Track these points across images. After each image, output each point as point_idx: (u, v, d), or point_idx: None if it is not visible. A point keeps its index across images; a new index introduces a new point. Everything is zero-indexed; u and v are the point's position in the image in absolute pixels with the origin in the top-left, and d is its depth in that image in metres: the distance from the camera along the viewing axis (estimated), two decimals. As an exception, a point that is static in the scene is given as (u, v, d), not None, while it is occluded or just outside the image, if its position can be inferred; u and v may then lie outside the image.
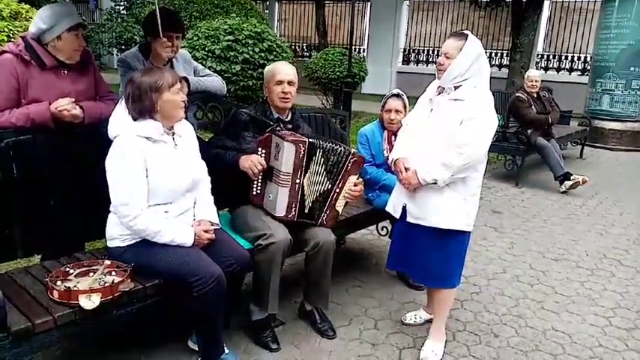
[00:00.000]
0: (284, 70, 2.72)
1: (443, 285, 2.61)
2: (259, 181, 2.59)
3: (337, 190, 2.63)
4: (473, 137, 2.32)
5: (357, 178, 2.70)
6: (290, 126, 2.74)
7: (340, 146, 2.61)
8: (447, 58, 2.37)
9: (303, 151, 2.50)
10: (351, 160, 2.60)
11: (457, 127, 2.34)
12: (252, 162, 2.52)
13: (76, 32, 2.37)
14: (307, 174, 2.56)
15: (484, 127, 2.36)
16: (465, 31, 2.41)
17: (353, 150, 2.66)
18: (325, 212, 2.64)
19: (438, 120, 2.41)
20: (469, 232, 2.52)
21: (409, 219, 2.53)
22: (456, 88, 2.39)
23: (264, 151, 2.56)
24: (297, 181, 2.54)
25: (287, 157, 2.48)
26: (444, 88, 2.44)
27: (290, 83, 2.70)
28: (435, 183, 2.37)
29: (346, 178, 2.63)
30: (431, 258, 2.50)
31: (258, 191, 2.61)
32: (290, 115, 2.82)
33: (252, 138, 2.65)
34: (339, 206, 2.68)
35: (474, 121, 2.32)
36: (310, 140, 2.53)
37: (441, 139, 2.38)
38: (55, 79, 2.38)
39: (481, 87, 2.39)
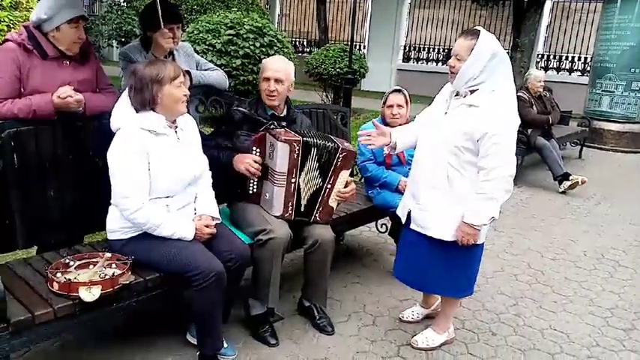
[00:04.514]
0: (272, 67, 2.65)
1: (451, 295, 2.56)
2: (255, 180, 2.57)
3: (329, 187, 2.59)
4: (500, 157, 2.16)
5: (350, 174, 2.65)
6: (284, 123, 2.68)
7: (330, 141, 2.56)
8: (458, 60, 2.19)
9: (298, 150, 2.45)
10: (341, 156, 2.55)
11: (469, 136, 2.18)
12: (247, 163, 2.49)
13: (76, 24, 2.34)
14: (303, 172, 2.53)
15: (506, 139, 2.18)
16: (478, 28, 2.22)
17: (345, 144, 2.60)
18: (318, 209, 2.61)
19: (450, 126, 2.26)
20: (480, 243, 2.40)
21: (412, 226, 2.44)
22: (472, 91, 2.22)
23: (258, 150, 2.53)
24: (293, 180, 2.50)
25: (281, 156, 2.45)
26: (458, 92, 2.28)
27: (277, 81, 2.61)
28: (494, 219, 2.24)
29: (337, 174, 2.58)
30: (435, 269, 2.41)
31: (255, 190, 2.59)
32: (285, 109, 2.77)
33: (246, 137, 2.60)
34: (333, 202, 2.64)
35: (495, 137, 2.14)
36: (305, 139, 2.48)
37: (448, 147, 2.25)
38: (56, 69, 2.36)
39: (499, 89, 2.19)
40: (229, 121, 2.69)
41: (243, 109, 2.66)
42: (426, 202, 2.37)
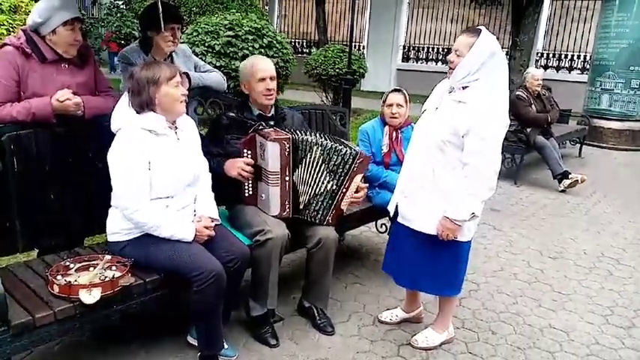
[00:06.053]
0: (265, 66, 2.65)
1: (435, 293, 2.58)
2: (250, 182, 2.58)
3: (344, 190, 2.60)
4: (484, 154, 2.19)
5: (361, 180, 2.69)
6: (272, 122, 2.68)
7: (345, 146, 2.56)
8: (458, 55, 2.24)
9: (288, 147, 2.47)
10: (358, 161, 2.56)
11: (454, 131, 2.21)
12: (238, 167, 2.50)
13: (72, 26, 2.34)
14: (297, 170, 2.53)
15: (491, 137, 2.20)
16: (480, 27, 2.26)
17: (360, 150, 2.62)
18: (331, 212, 2.63)
19: (439, 122, 2.30)
20: (465, 242, 2.41)
21: (399, 219, 2.49)
22: (464, 88, 2.26)
23: (249, 152, 2.54)
24: (287, 178, 2.52)
25: (272, 156, 2.46)
26: (454, 88, 2.31)
27: (272, 78, 2.64)
28: (474, 215, 2.25)
29: (353, 178, 2.60)
30: (419, 264, 2.43)
31: (251, 192, 2.60)
32: (272, 109, 2.77)
33: (236, 141, 2.60)
34: (344, 205, 2.67)
35: (480, 134, 2.17)
36: (294, 136, 2.50)
37: (436, 142, 2.28)
38: (55, 73, 2.37)
39: (491, 89, 2.22)
40: (218, 128, 2.69)
41: (231, 114, 2.67)
42: (412, 196, 2.41)
